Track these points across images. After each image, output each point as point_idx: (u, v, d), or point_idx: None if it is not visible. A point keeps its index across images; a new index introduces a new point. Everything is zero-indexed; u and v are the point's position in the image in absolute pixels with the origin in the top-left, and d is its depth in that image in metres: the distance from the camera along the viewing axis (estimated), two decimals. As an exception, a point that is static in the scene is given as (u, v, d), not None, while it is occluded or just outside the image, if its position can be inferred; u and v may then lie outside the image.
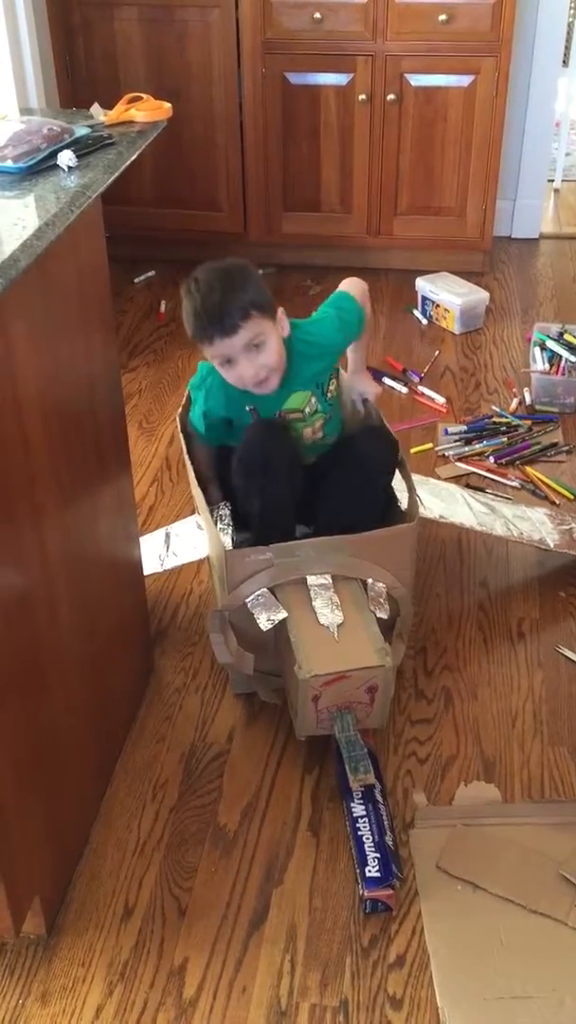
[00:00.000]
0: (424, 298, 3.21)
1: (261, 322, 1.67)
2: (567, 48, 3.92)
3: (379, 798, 1.58)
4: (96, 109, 1.49)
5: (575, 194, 4.26)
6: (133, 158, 1.37)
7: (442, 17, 3.02)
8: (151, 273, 3.51)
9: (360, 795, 1.57)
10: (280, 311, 1.74)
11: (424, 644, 1.96)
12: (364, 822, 1.54)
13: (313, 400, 1.83)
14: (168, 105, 1.48)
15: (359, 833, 1.54)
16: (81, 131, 1.38)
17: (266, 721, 1.80)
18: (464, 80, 3.13)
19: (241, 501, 1.82)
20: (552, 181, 4.19)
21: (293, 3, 3.08)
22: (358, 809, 1.56)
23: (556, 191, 4.25)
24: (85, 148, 1.34)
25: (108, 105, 1.52)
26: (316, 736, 1.67)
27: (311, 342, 1.82)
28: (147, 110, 1.47)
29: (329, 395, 1.86)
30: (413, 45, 3.09)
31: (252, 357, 1.69)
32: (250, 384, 1.72)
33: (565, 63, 3.98)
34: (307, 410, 1.83)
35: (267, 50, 3.15)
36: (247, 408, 1.80)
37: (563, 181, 4.30)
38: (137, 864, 1.57)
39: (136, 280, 3.48)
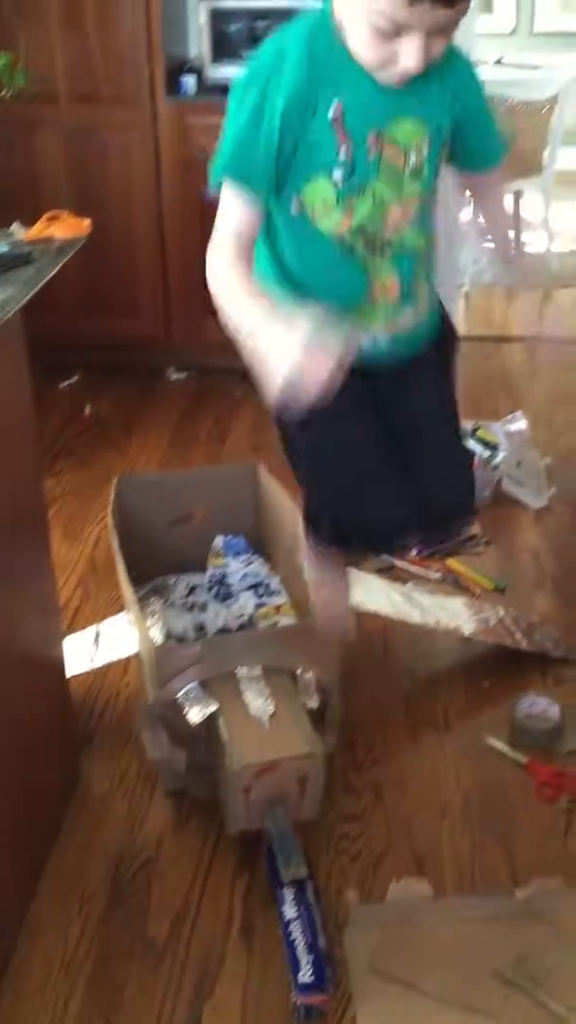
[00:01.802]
0: (343, 398, 3.30)
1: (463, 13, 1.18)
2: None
3: (311, 898, 1.55)
4: (16, 227, 1.54)
5: (484, 298, 4.49)
6: (51, 275, 1.42)
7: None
8: (75, 378, 3.56)
9: (292, 896, 1.55)
10: None
11: (353, 736, 1.96)
12: (296, 924, 1.52)
13: (425, 147, 1.29)
14: (87, 222, 1.54)
15: (291, 937, 1.51)
16: (0, 248, 1.43)
17: (197, 823, 1.77)
18: (373, 195, 3.31)
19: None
20: (461, 286, 4.41)
21: (210, 124, 3.23)
22: (290, 911, 1.54)
23: (466, 295, 4.46)
24: (4, 265, 1.39)
25: (29, 223, 1.58)
26: (248, 833, 1.65)
27: (452, 63, 1.30)
28: (66, 227, 1.53)
29: (438, 160, 1.34)
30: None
31: (434, 42, 1.17)
32: (399, 73, 1.19)
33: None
34: (413, 158, 1.28)
35: (185, 167, 3.30)
36: (332, 104, 1.22)
37: (472, 286, 4.53)
38: (63, 981, 1.51)
39: (61, 385, 3.52)
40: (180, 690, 1.68)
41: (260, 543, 2.30)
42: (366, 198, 1.26)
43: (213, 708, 1.66)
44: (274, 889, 1.58)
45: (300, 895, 1.54)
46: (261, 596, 2.13)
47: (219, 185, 1.28)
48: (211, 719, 1.66)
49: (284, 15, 3.19)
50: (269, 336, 1.15)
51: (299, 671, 1.74)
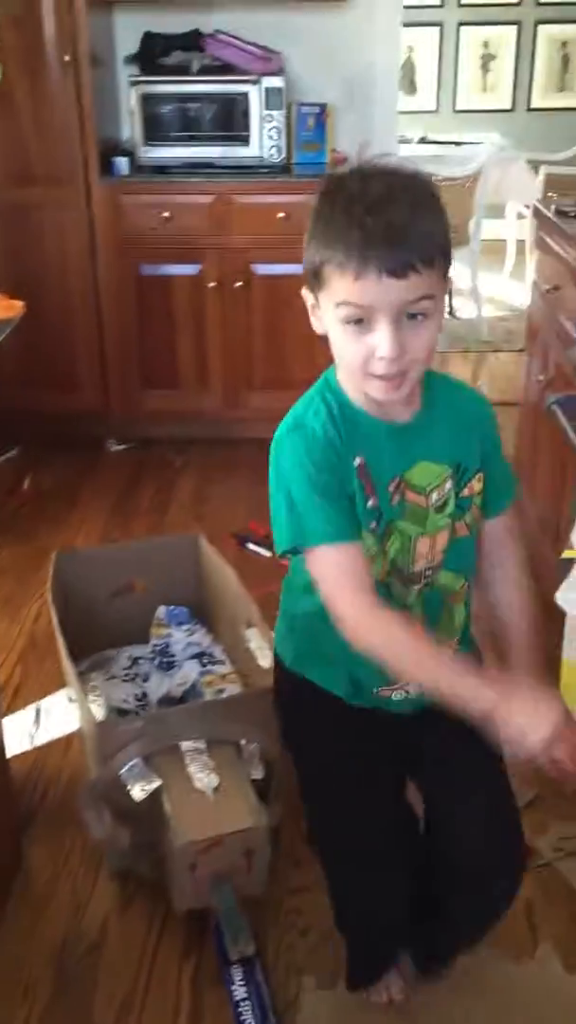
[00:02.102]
0: (283, 465, 3.34)
1: (440, 282, 1.10)
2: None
3: (260, 978, 1.53)
4: (-51, 307, 1.56)
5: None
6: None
7: (281, 215, 3.30)
8: (13, 452, 3.55)
9: (241, 975, 1.52)
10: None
11: (300, 806, 1.94)
12: (246, 1006, 1.49)
13: (448, 485, 1.24)
14: (20, 303, 1.57)
15: (242, 1019, 1.48)
16: None
17: (142, 903, 1.74)
18: (305, 268, 3.40)
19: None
20: (396, 354, 4.52)
21: (142, 204, 3.32)
22: (239, 992, 1.51)
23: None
24: None
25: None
26: (195, 912, 1.62)
27: (460, 399, 1.28)
28: (-1, 308, 1.55)
29: (467, 494, 1.27)
30: (256, 239, 3.36)
31: (407, 328, 1.09)
32: (380, 368, 1.11)
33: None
34: (435, 497, 1.23)
35: (120, 245, 3.36)
36: (355, 464, 1.19)
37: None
38: (5, 1079, 1.45)
39: (0, 459, 3.51)
40: (123, 767, 1.66)
41: (203, 613, 2.30)
42: (394, 538, 1.22)
43: (157, 784, 1.64)
44: (222, 968, 1.55)
45: (249, 974, 1.52)
46: (205, 665, 2.12)
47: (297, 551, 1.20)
48: (155, 795, 1.64)
49: (215, 99, 3.32)
50: (509, 703, 1.09)
51: (243, 742, 1.73)
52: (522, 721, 1.07)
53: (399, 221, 1.05)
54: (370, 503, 1.19)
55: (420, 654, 1.17)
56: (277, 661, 1.44)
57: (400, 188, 1.08)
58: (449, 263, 1.11)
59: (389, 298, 1.06)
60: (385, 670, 1.22)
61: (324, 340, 1.17)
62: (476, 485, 1.27)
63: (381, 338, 1.08)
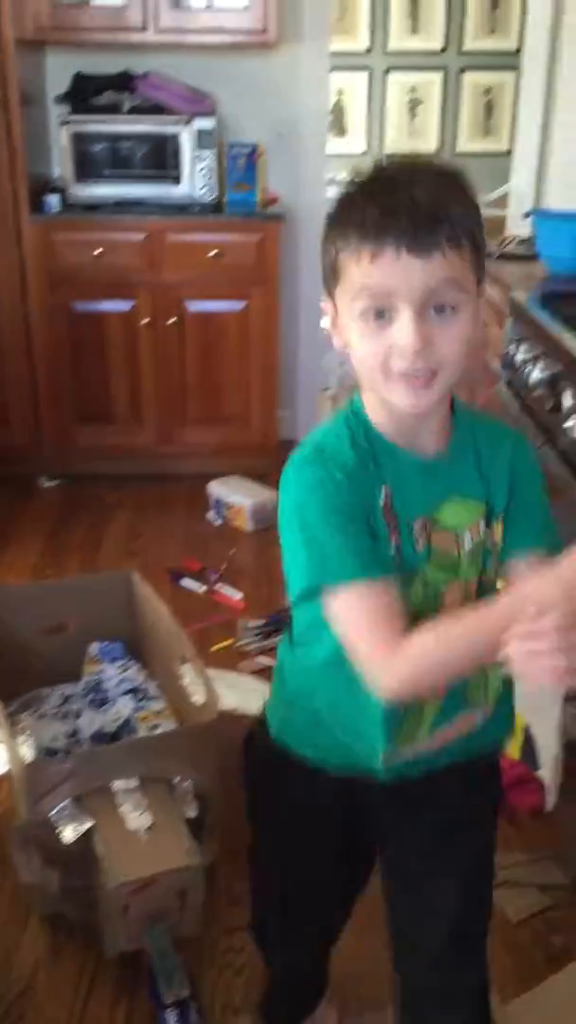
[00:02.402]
0: (217, 500, 3.35)
1: (470, 275, 0.97)
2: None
3: (195, 1020, 1.51)
4: None
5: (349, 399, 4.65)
6: None
7: (213, 253, 3.34)
8: (-56, 489, 3.50)
9: (175, 1018, 1.50)
10: (483, 288, 1.02)
11: (235, 846, 1.93)
12: (182, 1048, 1.47)
13: (482, 525, 1.08)
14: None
15: (177, 1061, 1.45)
16: None
17: (74, 947, 1.70)
18: (238, 305, 3.44)
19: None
20: (328, 389, 4.57)
21: (74, 241, 3.33)
22: (175, 1034, 1.49)
23: (332, 398, 4.62)
24: None
25: None
26: (128, 954, 1.60)
27: (491, 432, 1.12)
28: None
29: (493, 542, 1.10)
30: (188, 276, 3.38)
31: (434, 321, 0.96)
32: (404, 364, 0.97)
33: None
34: (468, 539, 1.07)
35: (52, 282, 3.36)
36: (380, 498, 1.04)
37: (338, 389, 4.70)
38: None
39: None
40: (53, 808, 1.63)
41: (137, 650, 2.29)
42: (416, 586, 1.05)
43: (88, 825, 1.62)
44: (157, 1012, 1.52)
45: (184, 1016, 1.50)
46: (140, 701, 2.11)
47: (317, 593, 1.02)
48: (87, 836, 1.62)
49: (146, 139, 3.35)
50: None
51: (177, 779, 1.72)
52: (537, 594, 0.88)
53: (423, 197, 0.93)
54: (392, 543, 1.04)
55: (451, 643, 0.98)
56: (258, 730, 1.25)
57: (425, 170, 0.98)
58: (482, 262, 0.98)
59: (411, 281, 0.93)
60: (397, 731, 1.08)
61: (346, 359, 1.05)
62: (498, 531, 1.09)
63: (402, 327, 0.94)
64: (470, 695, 1.11)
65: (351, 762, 1.13)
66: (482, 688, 1.12)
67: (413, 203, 0.92)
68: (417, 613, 1.04)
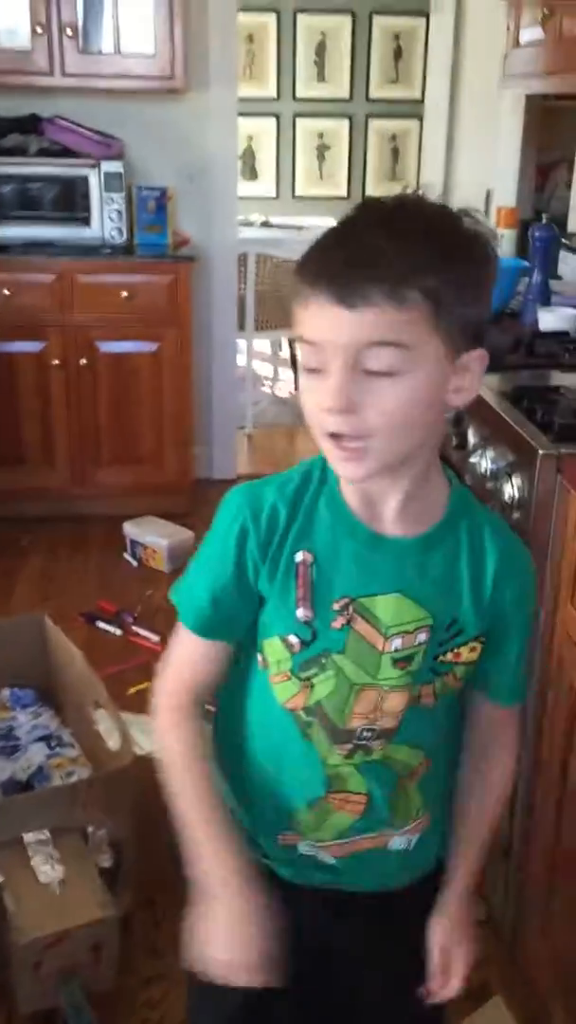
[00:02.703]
0: (133, 541, 3.33)
1: (423, 336, 0.83)
2: (241, 314, 4.42)
3: (112, 1075, 1.46)
4: None
5: (266, 437, 4.69)
6: None
7: (124, 294, 3.34)
8: None
9: (92, 1076, 1.45)
10: (475, 355, 0.88)
11: (151, 893, 1.90)
12: None
13: (421, 638, 0.95)
14: None
15: None
16: None
17: (-15, 1010, 1.64)
18: (151, 346, 3.44)
19: None
20: (244, 427, 4.60)
21: (-18, 281, 3.30)
22: None
23: (248, 436, 4.65)
24: None
25: None
26: (41, 1012, 1.55)
27: (492, 539, 0.97)
28: None
29: (449, 659, 0.97)
30: (100, 317, 3.38)
31: (365, 382, 0.84)
32: (328, 423, 0.87)
33: (242, 327, 4.48)
34: (396, 644, 0.95)
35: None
36: (295, 558, 0.95)
37: (254, 427, 4.73)
38: None
39: None
40: (-39, 863, 1.58)
41: (50, 696, 2.24)
42: (328, 676, 0.95)
43: (-2, 880, 1.57)
44: (71, 1071, 1.48)
45: (99, 1074, 1.45)
46: (53, 748, 2.06)
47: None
48: (-4, 891, 1.57)
49: (55, 181, 3.35)
50: (205, 879, 0.97)
51: (91, 829, 1.69)
52: (211, 929, 0.95)
53: (370, 243, 0.83)
54: (300, 614, 0.94)
55: (186, 778, 0.98)
56: None
57: (400, 215, 0.86)
58: (455, 324, 0.83)
59: (338, 335, 0.83)
60: (293, 807, 1.01)
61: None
62: (466, 653, 0.97)
63: (327, 384, 0.84)
64: (395, 820, 1.03)
65: (253, 828, 1.04)
66: (405, 811, 1.03)
67: (357, 250, 0.83)
68: (320, 707, 0.97)
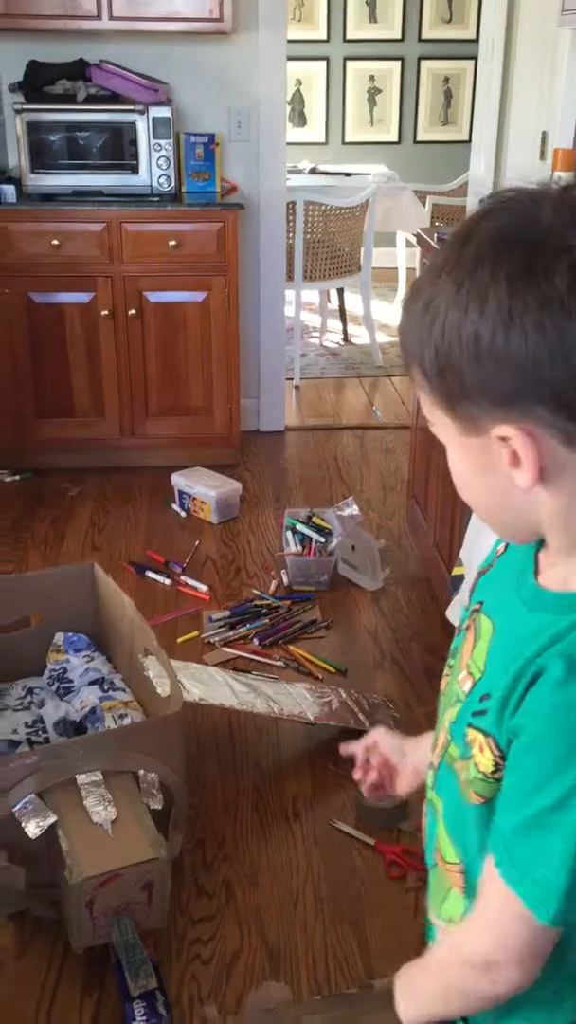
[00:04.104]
0: (181, 492, 3.34)
1: (436, 408, 0.75)
2: (290, 264, 4.37)
3: (163, 1011, 1.50)
4: None
5: (313, 390, 4.66)
6: None
7: (172, 243, 3.32)
8: None
9: (143, 1011, 1.49)
10: (517, 436, 0.70)
11: (202, 836, 1.93)
12: (150, 1040, 1.46)
13: (468, 685, 0.83)
14: None
15: (145, 1053, 1.45)
16: None
17: (40, 944, 1.69)
18: (198, 296, 3.42)
19: None
20: (291, 379, 4.57)
21: (31, 231, 3.29)
22: (142, 1027, 1.48)
23: (296, 388, 4.62)
24: None
25: None
26: (95, 948, 1.59)
27: (550, 640, 0.74)
28: None
29: (470, 739, 0.80)
30: (148, 266, 3.36)
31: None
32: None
33: (290, 278, 4.43)
34: (462, 675, 0.84)
35: (8, 273, 3.31)
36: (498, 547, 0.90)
37: (301, 379, 4.70)
38: None
39: None
40: (16, 804, 1.61)
41: (101, 643, 2.27)
42: (451, 664, 0.90)
43: (52, 820, 1.60)
44: (124, 1004, 1.51)
45: (150, 1009, 1.49)
46: (106, 690, 2.09)
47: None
48: (51, 831, 1.60)
49: (103, 128, 3.31)
50: None
51: (142, 772, 1.71)
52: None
53: (404, 317, 0.76)
54: (464, 598, 0.92)
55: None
56: None
57: (453, 256, 0.70)
58: (454, 396, 0.72)
59: (421, 399, 0.78)
60: None
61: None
62: (477, 751, 0.79)
63: None
64: (430, 883, 0.92)
65: None
66: (437, 893, 0.90)
67: (403, 327, 0.77)
68: (439, 699, 0.91)
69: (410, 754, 1.08)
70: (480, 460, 0.74)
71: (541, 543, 0.81)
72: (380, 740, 1.11)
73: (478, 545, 1.75)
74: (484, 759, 0.78)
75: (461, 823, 0.84)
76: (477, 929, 0.80)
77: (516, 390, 0.68)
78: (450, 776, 0.84)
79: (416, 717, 2.26)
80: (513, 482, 0.72)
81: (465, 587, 1.82)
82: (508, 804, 0.76)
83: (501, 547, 0.88)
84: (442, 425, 0.75)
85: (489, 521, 0.80)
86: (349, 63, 6.58)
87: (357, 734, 1.15)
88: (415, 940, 1.64)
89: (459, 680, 0.84)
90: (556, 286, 0.64)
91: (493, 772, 0.77)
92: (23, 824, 1.60)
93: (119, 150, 3.39)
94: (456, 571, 1.94)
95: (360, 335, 5.30)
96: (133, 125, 3.35)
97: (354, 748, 1.13)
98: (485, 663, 0.81)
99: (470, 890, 0.84)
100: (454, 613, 1.87)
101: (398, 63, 6.59)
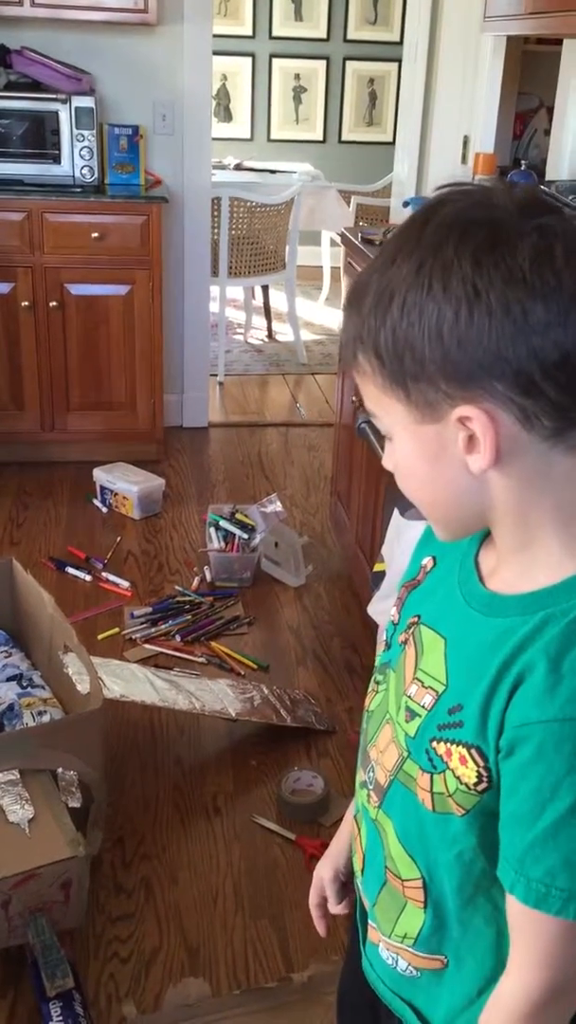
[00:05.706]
0: (103, 488, 3.30)
1: (383, 396, 0.73)
2: (215, 260, 4.36)
3: (79, 1011, 1.48)
4: None
5: (238, 386, 4.65)
6: None
7: (95, 235, 3.28)
8: None
9: (59, 1011, 1.47)
10: (478, 417, 0.68)
11: (121, 834, 1.91)
12: (66, 1041, 1.44)
13: (428, 699, 0.79)
14: None
15: (62, 1054, 1.43)
16: None
17: (-46, 947, 1.65)
18: (122, 289, 3.38)
19: None
20: (215, 375, 4.55)
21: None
22: (58, 1028, 1.46)
23: (220, 384, 4.60)
24: None
25: None
26: (11, 949, 1.56)
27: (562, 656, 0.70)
28: None
29: (442, 754, 0.76)
30: (70, 258, 3.31)
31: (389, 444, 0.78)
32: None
33: (215, 273, 4.41)
34: (412, 691, 0.80)
35: None
36: (425, 557, 0.89)
37: (226, 375, 4.69)
38: None
39: None
40: None
41: (19, 639, 2.23)
42: (382, 687, 0.88)
43: (-33, 820, 1.57)
44: (40, 1005, 1.49)
45: (67, 1009, 1.47)
46: (25, 687, 2.06)
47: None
48: (-35, 832, 1.57)
49: (24, 116, 3.25)
50: None
51: (60, 770, 1.69)
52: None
53: (346, 311, 0.74)
54: (393, 612, 0.89)
55: None
56: None
57: (394, 250, 0.70)
58: (406, 384, 0.70)
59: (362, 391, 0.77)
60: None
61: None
62: (457, 762, 0.75)
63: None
64: (374, 905, 0.89)
65: None
66: (385, 912, 0.87)
67: (344, 326, 0.75)
68: (368, 720, 0.89)
69: (343, 865, 1.02)
70: (431, 448, 0.72)
71: (478, 548, 0.81)
72: (325, 879, 1.03)
73: (399, 542, 1.77)
74: (467, 771, 0.74)
75: (421, 837, 0.80)
76: (527, 972, 0.75)
77: (478, 368, 0.67)
78: (404, 793, 0.81)
79: (337, 712, 2.27)
80: (464, 469, 0.71)
81: (386, 584, 1.84)
82: (518, 822, 0.71)
83: (428, 561, 0.87)
84: (390, 414, 0.73)
85: (432, 514, 0.78)
86: (275, 60, 6.59)
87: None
88: (336, 937, 1.66)
89: (412, 695, 0.80)
90: (519, 263, 0.65)
91: (476, 784, 0.74)
92: None
93: (41, 139, 3.33)
94: (377, 567, 1.95)
95: (284, 332, 5.31)
96: (55, 114, 3.30)
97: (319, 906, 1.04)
98: (447, 675, 0.78)
99: (432, 904, 0.81)
100: (375, 609, 1.89)
101: (323, 62, 6.62)
